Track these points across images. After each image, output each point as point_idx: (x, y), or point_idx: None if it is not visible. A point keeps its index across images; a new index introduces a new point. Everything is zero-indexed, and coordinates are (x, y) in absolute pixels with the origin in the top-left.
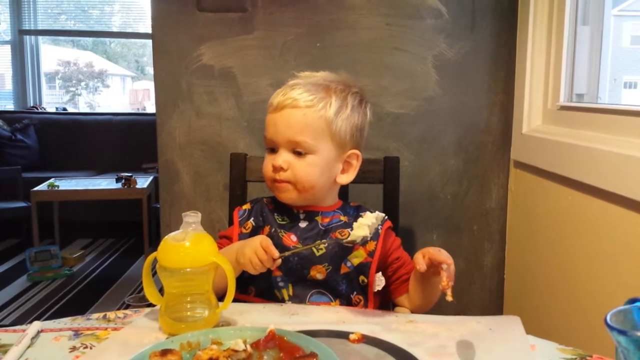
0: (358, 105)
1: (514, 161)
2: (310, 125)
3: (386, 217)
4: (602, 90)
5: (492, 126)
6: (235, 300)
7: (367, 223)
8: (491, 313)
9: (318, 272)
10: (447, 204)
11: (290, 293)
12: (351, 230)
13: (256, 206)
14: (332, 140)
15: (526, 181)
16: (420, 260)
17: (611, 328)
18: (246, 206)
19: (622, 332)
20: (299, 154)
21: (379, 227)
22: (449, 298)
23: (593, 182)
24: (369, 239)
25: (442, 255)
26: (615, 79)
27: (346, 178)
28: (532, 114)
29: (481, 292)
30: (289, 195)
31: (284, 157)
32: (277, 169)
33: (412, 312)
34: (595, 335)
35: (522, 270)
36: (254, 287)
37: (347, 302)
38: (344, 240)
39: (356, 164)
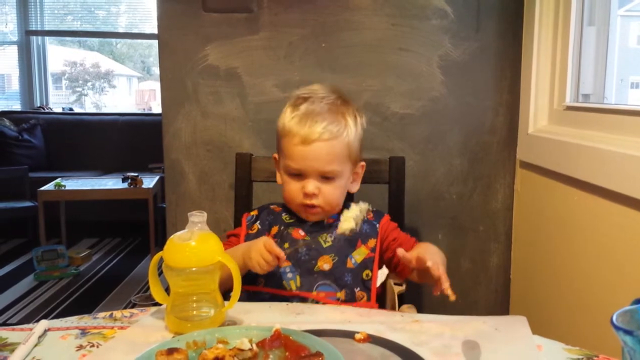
0: (360, 120)
1: (520, 161)
2: (338, 154)
3: (370, 207)
4: (609, 91)
5: (498, 126)
6: (245, 291)
7: (352, 216)
8: (497, 313)
9: (325, 263)
10: (452, 204)
11: (298, 284)
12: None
13: (263, 213)
14: (350, 160)
15: (532, 181)
16: (408, 257)
17: (617, 328)
18: (254, 212)
19: (628, 333)
20: (326, 179)
21: (366, 216)
22: (452, 298)
23: (599, 182)
24: (357, 229)
25: (425, 257)
26: (621, 79)
27: (356, 187)
28: (538, 114)
29: (487, 293)
30: (318, 217)
31: (315, 185)
32: (309, 196)
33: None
34: (602, 336)
35: (528, 270)
36: (263, 278)
37: (351, 294)
38: (334, 234)
39: (361, 172)
